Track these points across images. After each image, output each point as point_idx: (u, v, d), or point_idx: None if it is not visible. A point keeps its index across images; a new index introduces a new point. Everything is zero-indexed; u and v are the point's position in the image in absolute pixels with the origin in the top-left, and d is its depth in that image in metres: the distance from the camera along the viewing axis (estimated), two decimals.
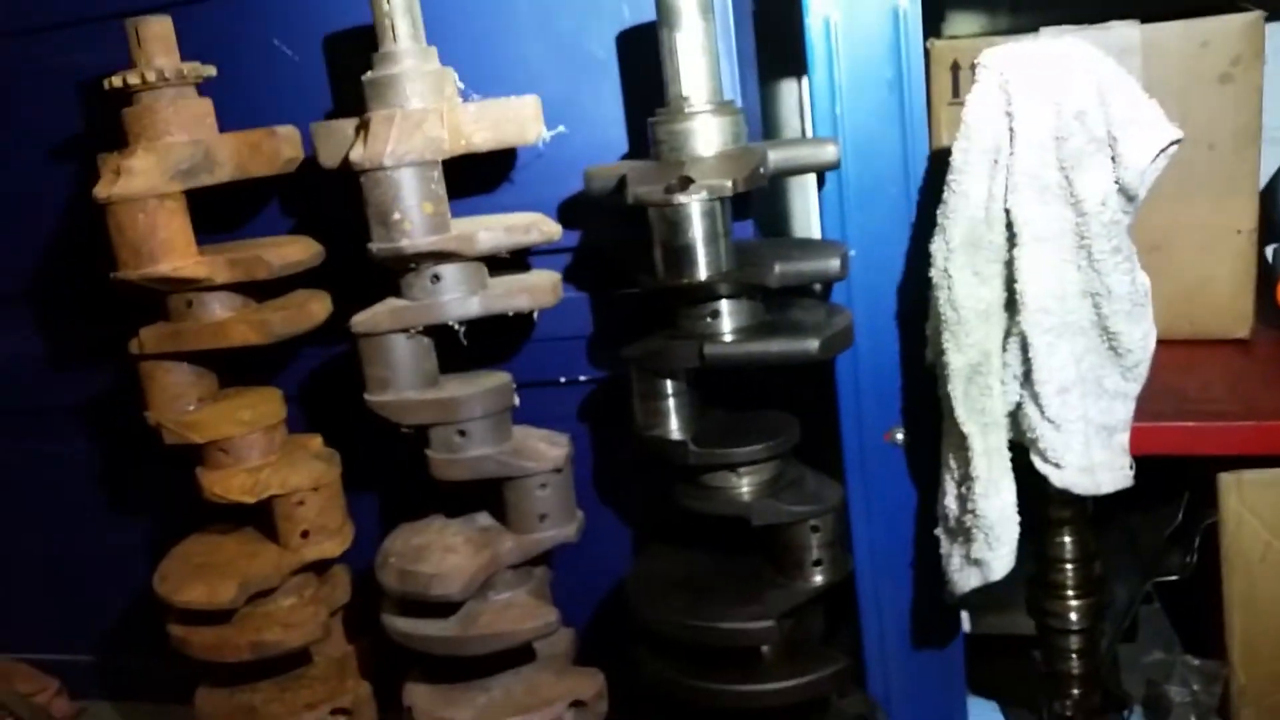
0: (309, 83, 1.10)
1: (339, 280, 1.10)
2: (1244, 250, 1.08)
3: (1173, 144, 0.80)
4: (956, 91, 1.08)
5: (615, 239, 1.07)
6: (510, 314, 1.00)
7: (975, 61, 0.86)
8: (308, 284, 1.11)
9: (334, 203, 1.03)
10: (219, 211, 1.11)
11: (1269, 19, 1.02)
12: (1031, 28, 1.11)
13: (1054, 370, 0.84)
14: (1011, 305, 0.86)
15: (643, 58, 1.03)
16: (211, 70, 1.03)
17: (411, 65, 0.94)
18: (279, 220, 1.18)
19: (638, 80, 1.04)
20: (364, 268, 0.97)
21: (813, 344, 0.89)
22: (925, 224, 0.96)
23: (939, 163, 0.95)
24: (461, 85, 0.98)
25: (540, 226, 0.98)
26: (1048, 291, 0.84)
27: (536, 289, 1.00)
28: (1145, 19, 1.05)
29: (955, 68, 1.07)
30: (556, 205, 1.09)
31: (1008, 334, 0.87)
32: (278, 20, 1.11)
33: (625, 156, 1.05)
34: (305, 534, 1.08)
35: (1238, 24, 1.03)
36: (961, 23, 1.41)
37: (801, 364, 0.90)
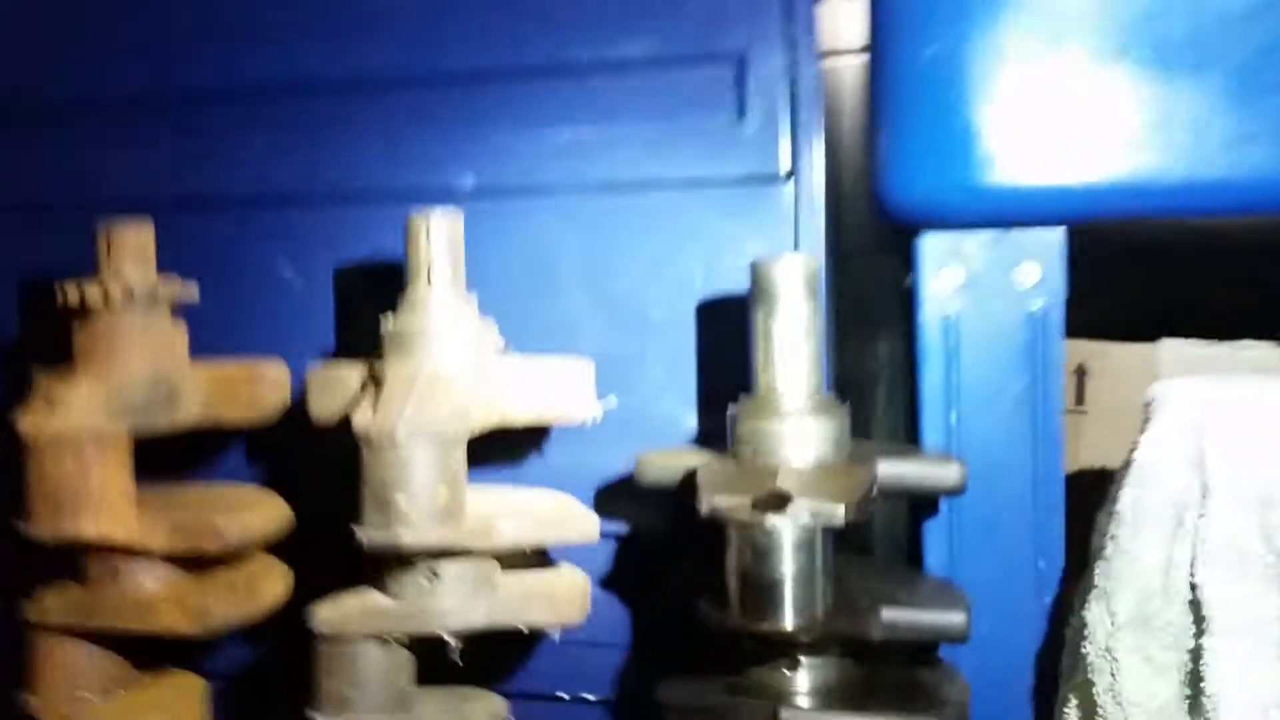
0: (308, 312, 0.93)
1: (303, 545, 0.87)
2: None
3: None
4: (1081, 398, 0.92)
5: (668, 541, 0.87)
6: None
7: (1151, 396, 0.70)
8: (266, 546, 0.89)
9: (316, 455, 0.83)
10: (168, 447, 0.89)
11: None
12: (1141, 325, 0.98)
13: None
14: (1195, 708, 0.66)
15: (713, 325, 0.87)
16: (193, 293, 0.85)
17: (446, 317, 0.76)
18: (243, 465, 0.96)
19: (707, 350, 0.87)
20: (338, 536, 0.75)
21: None
22: (1063, 572, 0.78)
23: (1077, 489, 0.78)
24: (502, 342, 0.80)
25: (578, 524, 0.78)
26: (1246, 699, 0.64)
27: (560, 599, 0.79)
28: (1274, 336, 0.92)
29: (1081, 372, 0.92)
30: (594, 486, 0.89)
31: None
32: (282, 237, 0.94)
33: (694, 441, 0.87)
34: None
35: None
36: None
37: None
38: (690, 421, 0.88)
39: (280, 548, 0.87)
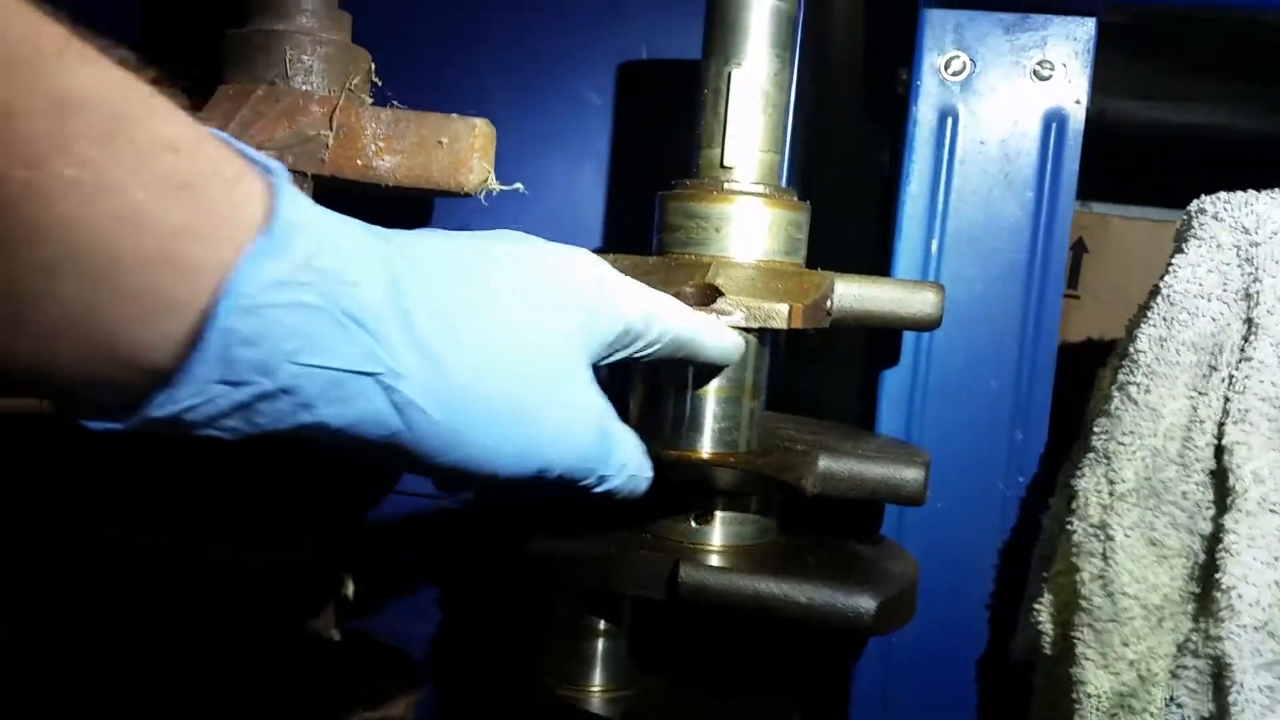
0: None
1: None
2: None
3: None
4: (1075, 280, 0.78)
5: None
6: None
7: (1195, 207, 0.55)
8: None
9: None
10: None
11: None
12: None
13: None
14: (1204, 605, 0.52)
15: (651, 115, 0.70)
16: None
17: (307, 25, 0.58)
18: None
19: (647, 139, 0.71)
20: None
21: (865, 604, 0.52)
22: (1043, 442, 0.63)
23: (1072, 360, 0.64)
24: (379, 80, 0.63)
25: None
26: (1272, 598, 0.50)
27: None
28: None
29: (1079, 248, 0.77)
30: None
31: (1184, 649, 0.53)
32: None
33: (601, 249, 0.71)
34: None
35: None
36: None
37: (842, 630, 0.54)
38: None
39: None
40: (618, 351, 0.44)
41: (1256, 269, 0.51)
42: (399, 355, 0.34)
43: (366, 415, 0.34)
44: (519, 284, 0.40)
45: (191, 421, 0.31)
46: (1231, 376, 0.51)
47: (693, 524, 0.58)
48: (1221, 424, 0.51)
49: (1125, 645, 0.52)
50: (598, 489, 0.44)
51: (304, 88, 0.57)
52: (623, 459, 0.44)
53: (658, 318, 0.45)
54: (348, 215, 0.38)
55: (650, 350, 0.46)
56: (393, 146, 0.58)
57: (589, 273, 0.43)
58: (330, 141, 0.56)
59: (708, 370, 0.54)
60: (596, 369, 0.43)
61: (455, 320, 0.36)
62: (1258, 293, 0.51)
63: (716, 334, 0.50)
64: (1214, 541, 0.51)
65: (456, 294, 0.37)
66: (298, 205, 0.32)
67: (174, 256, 0.29)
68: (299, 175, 0.55)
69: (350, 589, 0.64)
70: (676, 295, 0.54)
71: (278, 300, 0.30)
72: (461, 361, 0.36)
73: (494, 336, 0.37)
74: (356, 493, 0.72)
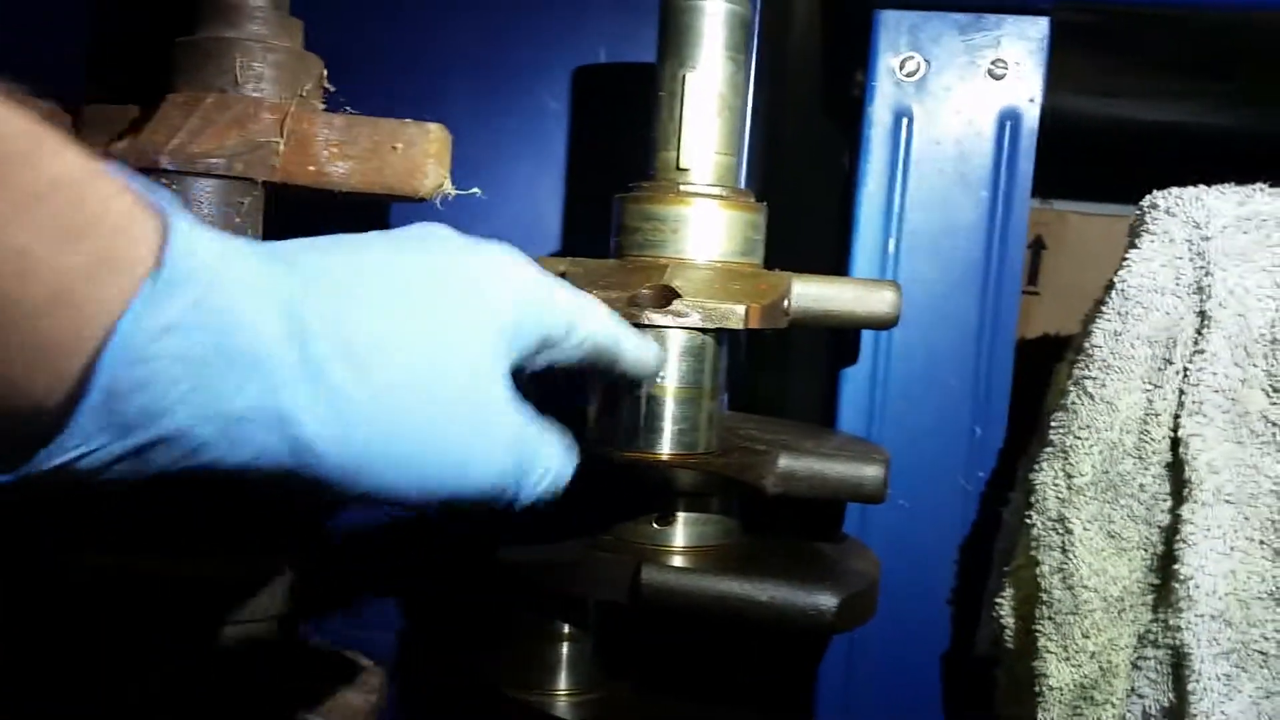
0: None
1: None
2: None
3: None
4: (1034, 277, 0.79)
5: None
6: None
7: (1148, 203, 0.55)
8: None
9: None
10: None
11: None
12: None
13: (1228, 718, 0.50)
14: (1163, 596, 0.52)
15: (608, 118, 0.70)
16: None
17: (257, 32, 0.58)
18: None
19: (605, 147, 0.70)
20: None
21: (827, 602, 0.53)
22: (1003, 437, 0.63)
23: (1032, 356, 0.64)
24: (331, 87, 0.62)
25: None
26: (1229, 588, 0.50)
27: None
28: None
29: (1037, 245, 0.78)
30: None
31: (1144, 640, 0.53)
32: None
33: (559, 253, 0.71)
34: None
35: None
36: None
37: (804, 629, 0.54)
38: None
39: None
40: (538, 356, 0.42)
41: (1208, 262, 0.52)
42: (294, 392, 0.32)
43: (263, 453, 0.32)
44: (430, 299, 0.37)
45: (82, 470, 0.30)
46: (1186, 369, 0.52)
47: (655, 526, 0.58)
48: (1177, 416, 0.52)
49: (1086, 637, 0.52)
50: (517, 506, 0.41)
51: (255, 95, 0.57)
52: (543, 467, 0.41)
53: (579, 324, 0.43)
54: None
55: (570, 357, 0.43)
56: (345, 152, 0.58)
57: (509, 276, 0.41)
58: (282, 148, 0.55)
59: (627, 381, 0.52)
60: (518, 376, 0.41)
61: (358, 349, 0.34)
62: (1209, 286, 0.51)
63: (637, 344, 0.47)
64: (1171, 533, 0.52)
65: (360, 319, 0.35)
66: (190, 243, 0.30)
67: (60, 302, 0.28)
68: (250, 183, 0.55)
69: (312, 600, 0.63)
70: (634, 298, 0.54)
71: (166, 345, 0.29)
72: (363, 394, 0.34)
73: (399, 360, 0.35)
74: (316, 502, 0.72)
